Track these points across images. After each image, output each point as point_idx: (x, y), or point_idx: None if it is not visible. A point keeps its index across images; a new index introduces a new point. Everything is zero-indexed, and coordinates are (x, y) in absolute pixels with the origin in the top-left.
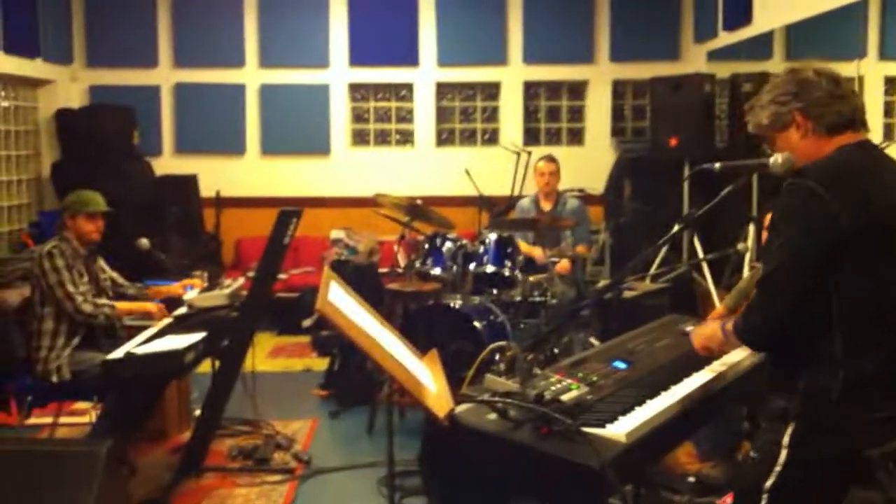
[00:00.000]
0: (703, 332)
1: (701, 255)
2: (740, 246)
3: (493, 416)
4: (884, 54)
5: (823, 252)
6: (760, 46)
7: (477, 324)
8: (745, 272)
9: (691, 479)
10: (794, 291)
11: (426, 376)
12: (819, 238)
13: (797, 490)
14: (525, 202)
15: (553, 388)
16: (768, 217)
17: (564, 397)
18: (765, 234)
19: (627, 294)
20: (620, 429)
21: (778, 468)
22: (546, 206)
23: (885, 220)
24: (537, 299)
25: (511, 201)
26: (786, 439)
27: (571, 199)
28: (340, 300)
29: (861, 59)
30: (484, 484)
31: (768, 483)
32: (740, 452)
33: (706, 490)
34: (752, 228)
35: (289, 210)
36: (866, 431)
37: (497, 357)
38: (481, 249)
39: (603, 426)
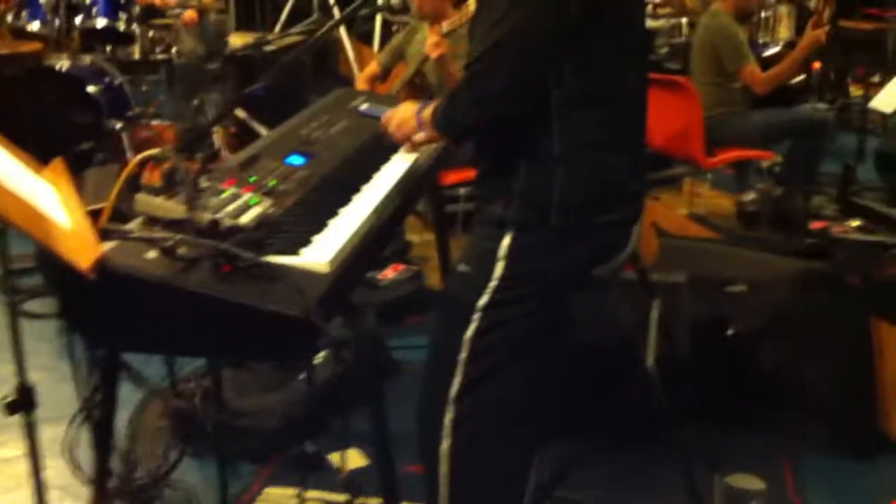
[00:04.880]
0: (396, 117)
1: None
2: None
3: (154, 254)
4: None
5: (551, 29)
6: None
7: (91, 88)
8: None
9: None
10: (511, 73)
11: (53, 202)
12: (549, 11)
13: (515, 307)
14: None
15: (229, 207)
16: None
17: (245, 218)
18: None
19: (265, 49)
20: (320, 255)
21: (493, 283)
22: None
23: None
24: (160, 57)
25: None
26: (502, 251)
27: None
28: None
29: None
30: (149, 343)
31: (482, 300)
32: None
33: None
34: None
35: None
36: (591, 239)
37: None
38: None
39: (297, 252)
